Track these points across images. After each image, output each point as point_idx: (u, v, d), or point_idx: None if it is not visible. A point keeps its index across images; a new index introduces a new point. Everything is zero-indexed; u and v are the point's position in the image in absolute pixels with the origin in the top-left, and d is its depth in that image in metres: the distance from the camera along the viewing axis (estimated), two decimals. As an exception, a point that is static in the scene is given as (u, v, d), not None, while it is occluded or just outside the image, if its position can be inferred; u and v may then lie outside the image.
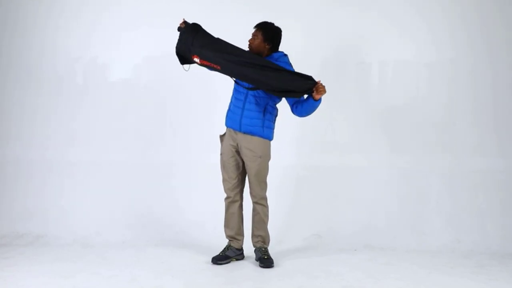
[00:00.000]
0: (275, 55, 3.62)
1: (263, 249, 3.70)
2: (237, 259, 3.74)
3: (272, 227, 3.81)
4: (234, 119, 3.61)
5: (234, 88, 3.67)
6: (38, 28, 4.68)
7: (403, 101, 4.61)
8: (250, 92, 3.57)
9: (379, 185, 4.54)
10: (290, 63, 3.65)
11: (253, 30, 3.62)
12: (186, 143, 4.60)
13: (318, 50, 4.58)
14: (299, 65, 3.66)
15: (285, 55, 3.67)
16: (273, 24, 3.62)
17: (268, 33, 3.58)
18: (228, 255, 3.69)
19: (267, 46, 3.59)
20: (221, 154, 3.73)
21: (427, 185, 4.51)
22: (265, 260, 3.61)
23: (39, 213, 4.41)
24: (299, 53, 3.98)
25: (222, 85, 4.37)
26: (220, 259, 3.65)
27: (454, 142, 4.55)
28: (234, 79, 3.62)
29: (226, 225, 3.77)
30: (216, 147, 3.91)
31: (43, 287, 3.13)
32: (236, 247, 3.74)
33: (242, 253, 3.78)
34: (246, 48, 3.60)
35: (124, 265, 3.56)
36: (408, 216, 4.41)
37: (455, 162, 4.53)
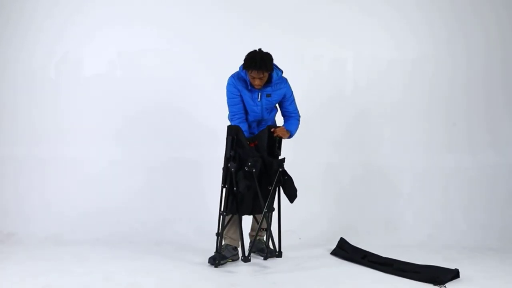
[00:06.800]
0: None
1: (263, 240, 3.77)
2: (233, 260, 3.62)
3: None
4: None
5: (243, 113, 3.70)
6: (10, 25, 4.58)
7: (378, 98, 4.67)
8: (265, 116, 3.69)
9: (353, 181, 4.60)
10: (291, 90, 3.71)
11: (253, 73, 3.49)
12: (159, 139, 4.56)
13: (297, 46, 4.62)
14: (277, 63, 3.67)
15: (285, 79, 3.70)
16: (265, 55, 3.52)
17: (272, 65, 3.54)
18: (225, 255, 3.56)
19: None
20: None
21: (400, 182, 4.58)
22: (268, 249, 3.63)
23: (11, 211, 4.33)
24: (276, 50, 3.98)
25: (201, 81, 4.38)
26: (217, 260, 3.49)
27: (427, 139, 4.64)
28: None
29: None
30: (192, 143, 3.86)
31: (15, 287, 3.08)
32: (233, 245, 3.64)
33: (238, 253, 3.66)
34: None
35: (98, 262, 3.53)
36: (381, 211, 4.48)
37: (427, 159, 4.62)
